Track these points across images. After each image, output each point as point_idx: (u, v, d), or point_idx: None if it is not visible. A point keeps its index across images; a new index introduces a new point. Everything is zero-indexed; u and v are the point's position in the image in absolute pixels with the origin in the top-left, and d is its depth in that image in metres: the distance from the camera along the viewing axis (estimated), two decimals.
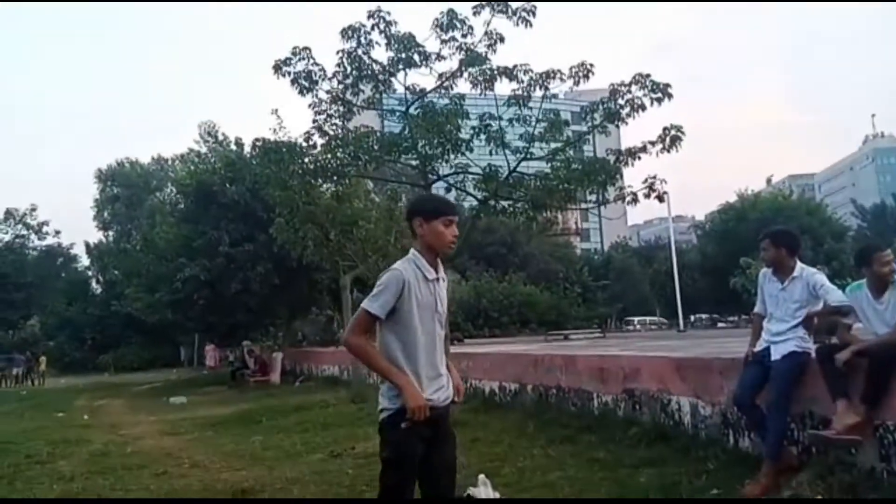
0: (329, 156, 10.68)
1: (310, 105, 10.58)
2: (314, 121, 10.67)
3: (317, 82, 10.28)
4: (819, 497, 4.34)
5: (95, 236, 50.01)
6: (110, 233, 48.62)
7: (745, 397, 5.02)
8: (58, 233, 48.37)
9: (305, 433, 8.77)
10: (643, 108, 9.20)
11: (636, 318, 49.46)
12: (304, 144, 10.82)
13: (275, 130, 13.16)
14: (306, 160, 10.77)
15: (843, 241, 42.41)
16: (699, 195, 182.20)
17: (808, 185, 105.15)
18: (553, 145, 10.27)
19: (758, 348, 5.13)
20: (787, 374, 4.83)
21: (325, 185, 12.48)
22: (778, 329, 5.00)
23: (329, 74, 10.29)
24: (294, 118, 13.37)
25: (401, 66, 10.16)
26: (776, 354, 4.92)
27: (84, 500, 5.84)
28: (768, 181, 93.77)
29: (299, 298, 21.94)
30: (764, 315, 5.21)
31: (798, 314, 4.94)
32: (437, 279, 2.96)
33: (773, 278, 5.14)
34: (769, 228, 5.52)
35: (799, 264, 5.07)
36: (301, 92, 10.29)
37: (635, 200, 9.76)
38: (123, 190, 47.39)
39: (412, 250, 2.97)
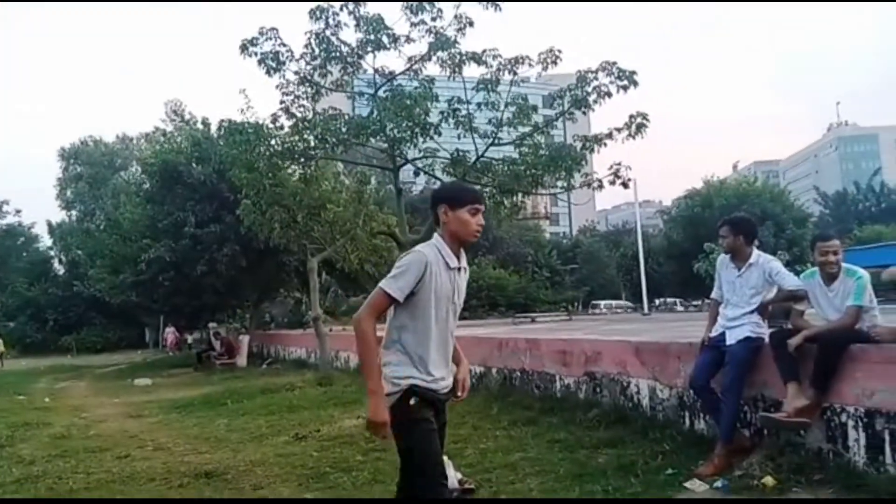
0: (296, 138, 10.61)
1: (277, 86, 10.48)
2: (281, 102, 10.58)
3: (284, 63, 10.19)
4: (770, 476, 4.51)
5: (58, 216, 49.02)
6: (73, 212, 47.54)
7: (700, 380, 5.16)
8: (18, 212, 47.34)
9: (271, 416, 8.77)
10: (609, 94, 9.30)
11: (603, 302, 50.06)
12: (271, 126, 10.72)
13: (242, 111, 12.98)
14: (273, 142, 10.68)
15: (805, 227, 43.23)
16: (668, 180, 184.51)
17: (773, 172, 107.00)
18: (521, 130, 10.32)
19: (714, 333, 5.28)
20: (742, 359, 4.98)
21: (292, 167, 12.38)
22: (734, 314, 5.14)
23: (297, 55, 10.19)
24: (263, 98, 13.23)
25: (370, 49, 10.11)
26: (731, 339, 5.06)
27: (56, 500, 5.78)
28: (734, 167, 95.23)
29: (267, 280, 21.78)
30: (721, 301, 5.35)
31: (753, 300, 5.09)
32: (459, 269, 2.88)
33: (730, 265, 5.28)
34: (728, 216, 5.65)
35: (756, 251, 5.21)
36: (268, 72, 10.18)
37: (601, 186, 9.90)
38: (87, 169, 46.31)
39: (435, 236, 2.88)
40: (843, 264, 4.82)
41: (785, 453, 4.73)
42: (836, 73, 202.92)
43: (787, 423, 4.63)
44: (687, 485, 4.56)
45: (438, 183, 11.58)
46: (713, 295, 5.52)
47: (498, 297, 41.47)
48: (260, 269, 20.11)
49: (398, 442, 2.75)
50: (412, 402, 2.70)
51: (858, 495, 4.11)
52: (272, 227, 12.80)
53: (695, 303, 42.70)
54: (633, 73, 9.20)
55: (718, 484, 4.54)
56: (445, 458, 4.84)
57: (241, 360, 19.31)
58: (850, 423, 4.46)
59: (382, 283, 2.73)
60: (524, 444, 5.94)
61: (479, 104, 10.16)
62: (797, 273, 5.44)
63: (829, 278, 4.82)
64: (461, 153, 10.44)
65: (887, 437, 4.21)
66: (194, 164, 19.50)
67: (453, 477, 4.72)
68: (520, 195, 11.24)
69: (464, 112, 10.11)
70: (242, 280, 20.32)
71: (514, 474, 5.00)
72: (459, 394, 2.99)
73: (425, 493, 2.72)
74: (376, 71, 10.46)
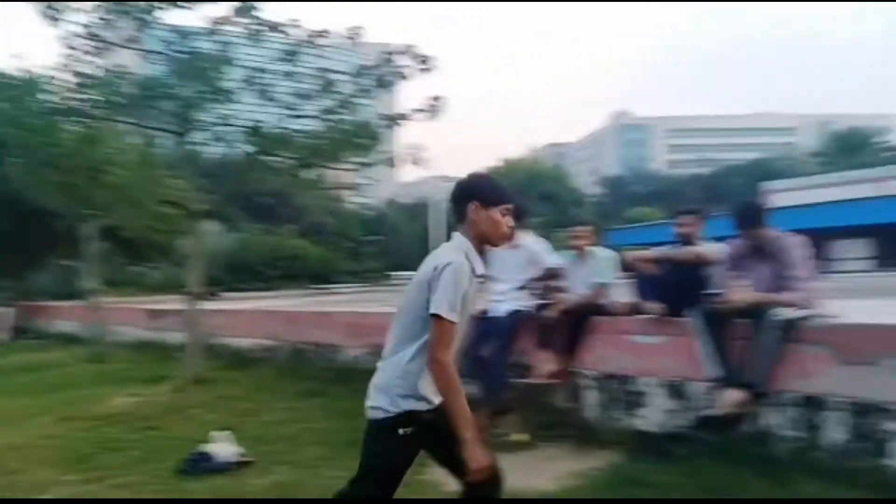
0: (78, 95, 9.69)
1: (59, 39, 9.47)
2: (65, 56, 9.58)
3: (65, 13, 9.22)
4: (523, 434, 5.11)
5: None
6: None
7: (471, 348, 5.68)
8: None
9: (34, 396, 8.04)
10: (407, 77, 9.61)
11: (404, 273, 51.64)
12: (49, 81, 9.70)
13: (16, 56, 11.50)
14: (51, 97, 9.68)
15: (583, 207, 47.72)
16: (472, 156, 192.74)
17: (564, 154, 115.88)
18: (324, 104, 10.30)
19: (485, 306, 5.83)
20: (507, 329, 5.55)
21: (71, 126, 11.25)
22: (501, 289, 5.72)
23: (83, 7, 9.28)
24: (42, 44, 11.84)
25: (163, 6, 9.48)
26: (499, 312, 5.63)
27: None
28: (530, 148, 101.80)
29: (35, 247, 19.68)
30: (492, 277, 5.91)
31: (519, 277, 5.69)
32: (478, 276, 2.60)
33: None
34: None
35: (522, 234, 5.82)
36: (50, 22, 9.17)
37: (395, 164, 10.27)
38: None
39: (461, 238, 2.58)
40: (593, 248, 5.56)
41: (537, 413, 5.39)
42: (625, 68, 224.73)
43: (540, 386, 5.28)
44: None
45: (237, 150, 11.23)
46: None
47: (298, 267, 40.78)
48: (26, 235, 18.14)
49: (365, 455, 2.55)
50: (401, 431, 2.46)
51: (591, 445, 4.81)
52: (45, 190, 11.57)
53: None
54: (431, 57, 9.56)
55: None
56: (217, 432, 4.92)
57: (2, 334, 17.38)
58: (590, 384, 5.19)
59: (441, 312, 2.39)
60: (309, 415, 6.13)
61: (281, 74, 9.94)
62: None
63: (581, 259, 5.53)
64: (260, 123, 10.18)
65: (615, 396, 4.98)
66: None
67: (232, 452, 4.80)
68: (319, 169, 11.23)
69: (264, 81, 9.85)
70: (4, 246, 18.20)
71: (294, 445, 5.17)
72: None
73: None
74: (171, 29, 9.83)
